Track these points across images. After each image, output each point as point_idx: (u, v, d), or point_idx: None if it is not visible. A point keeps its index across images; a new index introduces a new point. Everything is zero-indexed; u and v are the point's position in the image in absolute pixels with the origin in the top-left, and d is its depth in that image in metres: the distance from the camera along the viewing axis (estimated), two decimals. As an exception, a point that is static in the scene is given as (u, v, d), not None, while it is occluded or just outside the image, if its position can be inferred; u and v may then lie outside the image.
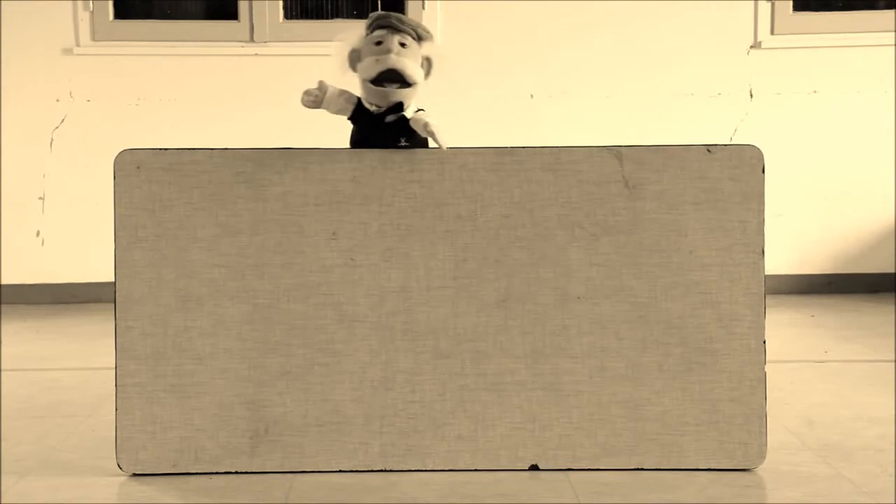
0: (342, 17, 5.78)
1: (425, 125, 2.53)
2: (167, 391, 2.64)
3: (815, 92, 5.67)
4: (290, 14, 5.70)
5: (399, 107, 2.58)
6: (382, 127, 2.61)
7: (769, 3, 5.61)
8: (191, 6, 5.93)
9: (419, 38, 2.58)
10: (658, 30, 5.63)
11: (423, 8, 5.61)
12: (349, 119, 2.66)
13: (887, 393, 3.46)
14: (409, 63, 2.54)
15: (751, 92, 5.66)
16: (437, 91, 5.63)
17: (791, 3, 5.63)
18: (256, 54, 5.56)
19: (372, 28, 2.58)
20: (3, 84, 5.54)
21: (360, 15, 5.82)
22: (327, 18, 5.76)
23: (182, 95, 5.59)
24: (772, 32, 5.63)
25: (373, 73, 2.54)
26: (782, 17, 5.62)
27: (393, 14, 2.56)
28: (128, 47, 5.59)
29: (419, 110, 2.63)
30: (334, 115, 2.65)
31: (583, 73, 5.64)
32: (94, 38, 5.58)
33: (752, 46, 5.64)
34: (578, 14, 5.64)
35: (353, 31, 2.59)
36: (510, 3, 5.63)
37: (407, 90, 2.58)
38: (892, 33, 5.59)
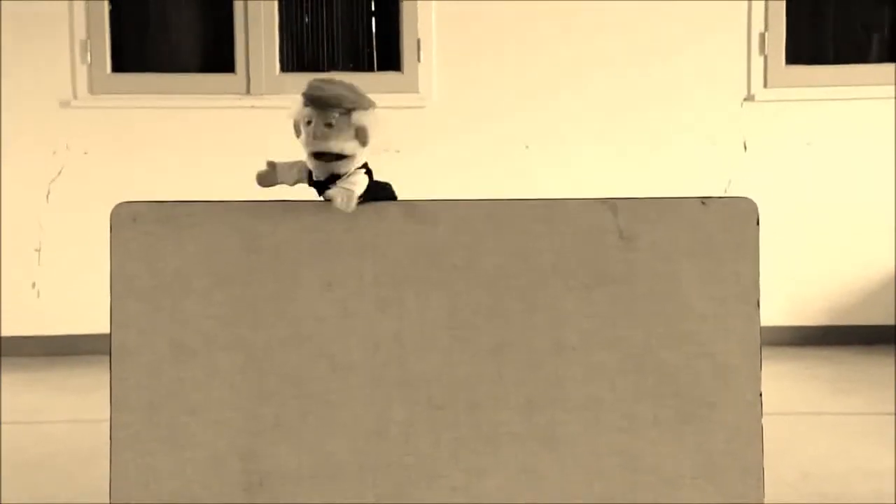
0: (338, 69, 5.82)
1: (332, 198, 2.54)
2: (161, 442, 2.62)
3: (808, 144, 5.69)
4: (286, 67, 5.74)
5: (336, 177, 2.58)
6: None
7: (762, 56, 5.65)
8: (188, 59, 5.96)
9: (348, 111, 2.57)
10: (652, 82, 5.66)
11: (419, 60, 5.65)
12: (309, 185, 2.66)
13: (884, 446, 3.45)
14: (333, 143, 2.53)
15: (745, 144, 5.69)
16: (435, 140, 5.67)
17: (784, 57, 5.67)
18: (253, 107, 5.59)
19: (303, 102, 2.57)
20: (0, 136, 5.56)
21: (357, 68, 5.87)
22: (324, 71, 5.79)
23: (179, 148, 5.61)
24: (765, 85, 5.67)
25: (306, 151, 2.57)
26: (775, 69, 5.66)
27: (319, 90, 2.55)
28: (125, 100, 5.62)
29: (363, 166, 2.61)
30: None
31: (577, 125, 5.67)
32: (91, 91, 5.61)
33: (745, 99, 5.68)
34: (573, 66, 5.67)
35: (295, 101, 2.60)
36: (504, 54, 5.67)
37: (342, 161, 2.56)
38: (886, 86, 5.62)
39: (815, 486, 2.97)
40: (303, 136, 2.57)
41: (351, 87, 2.58)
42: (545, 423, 2.63)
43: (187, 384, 2.62)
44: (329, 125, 2.53)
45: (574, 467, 2.63)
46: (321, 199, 2.62)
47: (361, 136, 2.55)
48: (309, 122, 2.54)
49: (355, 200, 2.55)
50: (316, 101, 2.53)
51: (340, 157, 2.56)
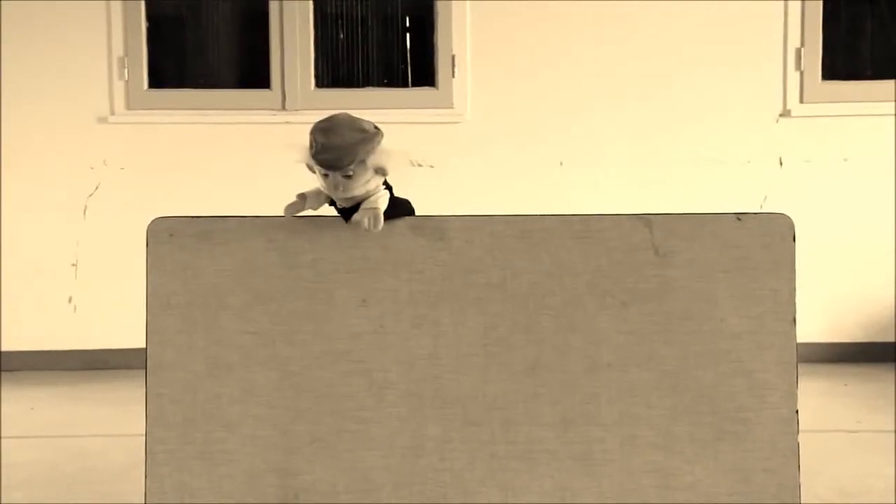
0: (373, 85, 5.84)
1: (359, 222, 2.56)
2: (196, 458, 2.63)
3: (845, 160, 5.66)
4: (321, 82, 5.76)
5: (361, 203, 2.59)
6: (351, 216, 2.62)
7: (799, 72, 5.62)
8: (224, 75, 6.00)
9: (363, 160, 2.53)
10: (687, 98, 5.65)
11: (454, 75, 5.66)
12: (330, 205, 2.66)
13: (922, 463, 3.42)
14: (356, 191, 2.54)
15: (780, 160, 5.66)
16: (469, 156, 5.67)
17: (820, 72, 5.64)
18: (288, 122, 5.61)
19: (314, 157, 2.52)
20: (38, 152, 5.61)
21: (391, 83, 5.88)
22: (358, 87, 5.81)
23: (215, 163, 5.64)
24: (801, 101, 5.64)
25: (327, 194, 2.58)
26: (811, 85, 5.63)
27: (328, 152, 2.50)
28: (162, 116, 5.65)
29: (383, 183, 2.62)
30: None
31: (612, 141, 5.66)
32: (128, 107, 5.65)
33: (781, 115, 5.65)
34: (608, 82, 5.67)
35: (301, 148, 2.55)
36: (539, 69, 5.67)
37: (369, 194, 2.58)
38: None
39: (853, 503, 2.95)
40: (321, 182, 2.55)
41: (356, 127, 2.54)
42: (580, 441, 2.62)
43: (223, 400, 2.63)
44: (347, 177, 2.52)
45: (609, 485, 2.62)
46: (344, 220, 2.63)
47: (381, 172, 2.55)
48: (323, 174, 2.53)
49: (382, 219, 2.56)
50: (329, 166, 2.50)
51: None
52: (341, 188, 2.53)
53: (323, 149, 2.50)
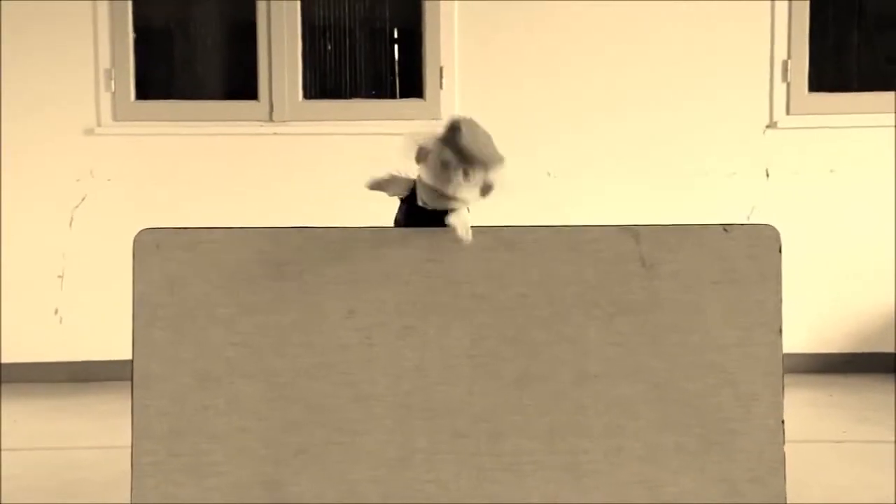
0: (360, 96, 5.84)
1: (453, 228, 2.59)
2: (183, 471, 2.62)
3: (831, 171, 5.68)
4: (309, 94, 5.76)
5: (445, 212, 2.61)
6: (425, 217, 2.62)
7: (785, 84, 5.64)
8: (211, 86, 5.99)
9: (486, 172, 2.60)
10: (675, 110, 5.66)
11: (442, 87, 5.66)
12: (400, 199, 2.68)
13: (908, 474, 3.42)
14: (464, 192, 2.59)
15: (767, 171, 5.68)
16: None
17: (807, 84, 5.66)
18: (276, 133, 5.61)
19: (446, 142, 2.57)
20: (24, 163, 5.59)
21: (379, 95, 5.88)
22: (346, 98, 5.81)
23: (202, 174, 5.63)
24: (787, 112, 5.66)
25: (433, 185, 2.60)
26: (798, 97, 5.65)
27: (475, 148, 2.56)
28: (149, 127, 5.64)
29: None
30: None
31: (600, 152, 5.67)
32: (115, 119, 5.64)
33: (768, 126, 5.66)
34: (596, 95, 5.67)
35: (426, 129, 2.61)
36: (527, 82, 5.67)
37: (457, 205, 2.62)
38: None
39: (840, 515, 2.95)
40: (431, 172, 2.58)
41: (491, 142, 2.60)
42: (568, 452, 2.62)
43: (210, 412, 2.62)
44: (466, 175, 2.55)
45: (597, 496, 2.61)
46: (395, 219, 2.63)
47: (486, 191, 2.59)
48: (446, 163, 2.55)
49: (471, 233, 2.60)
50: (469, 159, 2.55)
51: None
52: (453, 184, 2.56)
53: (469, 141, 2.55)
